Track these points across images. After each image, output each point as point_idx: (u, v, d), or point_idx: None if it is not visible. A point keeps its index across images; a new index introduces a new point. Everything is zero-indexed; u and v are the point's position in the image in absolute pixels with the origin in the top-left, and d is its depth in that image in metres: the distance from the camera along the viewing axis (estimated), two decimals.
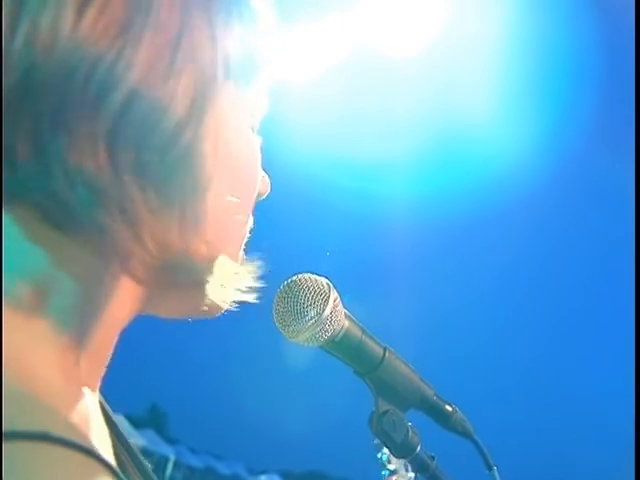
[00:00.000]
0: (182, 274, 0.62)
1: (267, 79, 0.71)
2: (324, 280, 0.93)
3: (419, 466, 1.01)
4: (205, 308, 0.70)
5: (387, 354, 0.97)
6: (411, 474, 1.15)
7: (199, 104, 0.61)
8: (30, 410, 0.52)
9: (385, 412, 0.97)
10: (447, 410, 1.03)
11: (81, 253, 0.59)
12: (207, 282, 0.66)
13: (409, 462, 1.01)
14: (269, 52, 0.70)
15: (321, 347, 0.94)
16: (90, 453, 0.50)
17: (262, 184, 0.74)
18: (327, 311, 0.90)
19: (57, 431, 0.49)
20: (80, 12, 0.56)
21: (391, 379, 0.97)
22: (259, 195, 0.74)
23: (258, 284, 0.74)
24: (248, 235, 0.73)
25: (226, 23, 0.64)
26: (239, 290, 0.69)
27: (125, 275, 0.61)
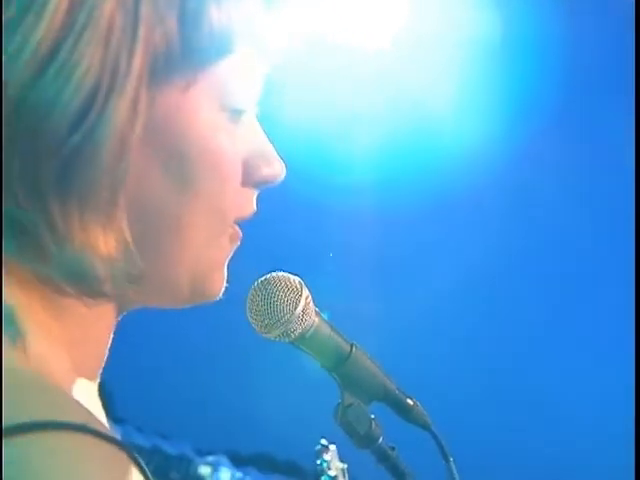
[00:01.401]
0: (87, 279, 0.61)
1: (249, 61, 0.65)
2: (297, 279, 0.97)
3: (380, 456, 1.06)
4: (203, 294, 0.70)
5: (354, 350, 1.02)
6: None
7: (109, 87, 0.56)
8: (68, 401, 0.55)
9: (350, 405, 1.02)
10: (408, 404, 1.08)
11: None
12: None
13: (372, 452, 1.06)
14: (237, 30, 0.62)
15: (291, 342, 0.98)
16: (125, 447, 0.53)
17: (274, 167, 0.70)
18: (299, 309, 0.94)
19: (94, 424, 0.52)
20: None
21: (357, 374, 1.02)
22: (273, 180, 0.70)
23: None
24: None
25: None
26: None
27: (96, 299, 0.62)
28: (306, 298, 0.95)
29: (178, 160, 0.61)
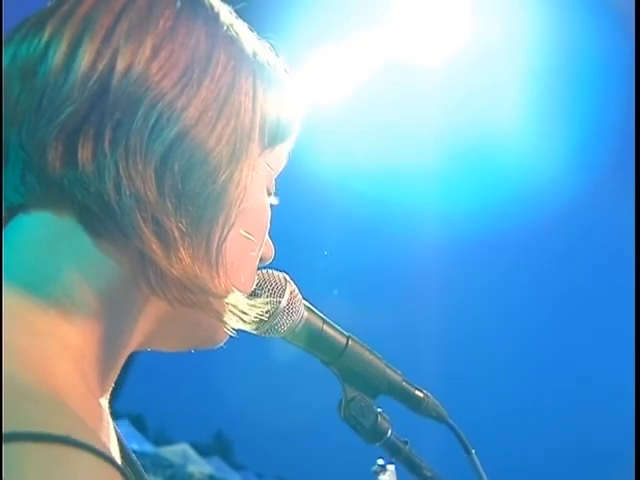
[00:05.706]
0: (199, 294, 0.70)
1: (289, 146, 0.82)
2: (282, 275, 0.97)
3: (392, 450, 1.04)
4: (211, 338, 0.79)
5: (350, 342, 1.00)
6: None
7: (237, 154, 0.71)
8: (58, 412, 0.58)
9: (352, 398, 1.01)
10: (417, 396, 1.05)
11: (114, 265, 0.68)
12: (221, 306, 0.73)
13: (382, 446, 1.04)
14: (295, 123, 0.81)
15: (284, 338, 0.98)
16: (109, 459, 0.56)
17: (267, 248, 0.83)
18: (283, 303, 0.94)
19: (81, 436, 0.55)
20: (154, 54, 0.68)
21: (356, 366, 1.01)
22: (263, 259, 0.83)
23: (265, 319, 0.84)
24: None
25: (266, 91, 0.75)
26: (247, 320, 0.75)
27: (146, 286, 0.68)
28: (291, 292, 0.95)
29: (250, 206, 0.75)
